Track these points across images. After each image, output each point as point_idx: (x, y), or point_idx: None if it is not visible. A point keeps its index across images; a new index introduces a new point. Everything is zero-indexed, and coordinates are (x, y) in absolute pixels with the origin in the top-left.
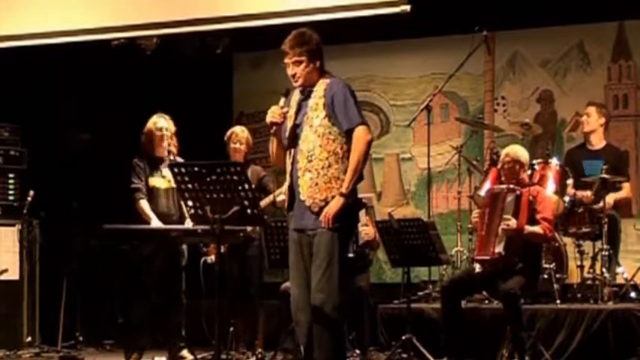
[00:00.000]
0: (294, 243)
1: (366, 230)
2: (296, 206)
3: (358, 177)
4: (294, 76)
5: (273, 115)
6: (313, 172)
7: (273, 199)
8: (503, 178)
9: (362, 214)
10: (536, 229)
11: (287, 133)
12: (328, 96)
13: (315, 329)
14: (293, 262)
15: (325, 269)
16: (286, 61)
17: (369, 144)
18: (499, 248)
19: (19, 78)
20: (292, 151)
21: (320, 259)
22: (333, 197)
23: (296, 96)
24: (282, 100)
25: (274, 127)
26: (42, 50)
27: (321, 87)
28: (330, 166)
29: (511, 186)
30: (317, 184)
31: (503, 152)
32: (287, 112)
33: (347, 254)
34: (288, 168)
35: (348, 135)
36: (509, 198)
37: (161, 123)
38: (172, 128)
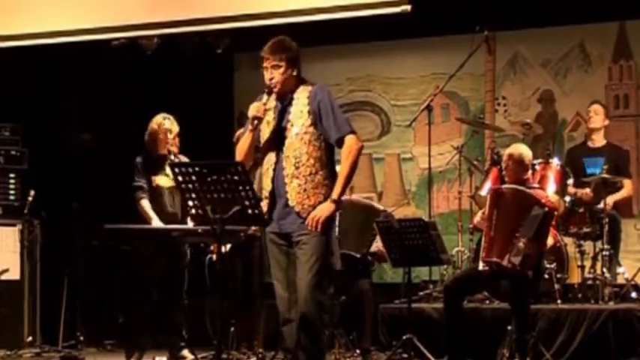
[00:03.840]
0: (275, 244)
1: (382, 247)
2: (278, 211)
3: (349, 183)
4: (271, 79)
5: (257, 109)
6: (301, 179)
7: None
8: (506, 179)
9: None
10: (549, 240)
11: (266, 137)
12: (314, 103)
13: (301, 326)
14: (276, 263)
15: (310, 269)
16: (265, 65)
17: (360, 151)
18: (516, 260)
19: (20, 78)
20: (272, 156)
21: (305, 260)
22: (320, 202)
23: (271, 102)
24: (264, 97)
25: (256, 122)
26: (43, 50)
27: (303, 94)
28: (316, 172)
29: (539, 195)
30: (305, 190)
31: (506, 152)
32: (268, 109)
33: (329, 254)
34: (270, 174)
35: (337, 144)
36: (536, 212)
37: (166, 124)
38: (176, 129)
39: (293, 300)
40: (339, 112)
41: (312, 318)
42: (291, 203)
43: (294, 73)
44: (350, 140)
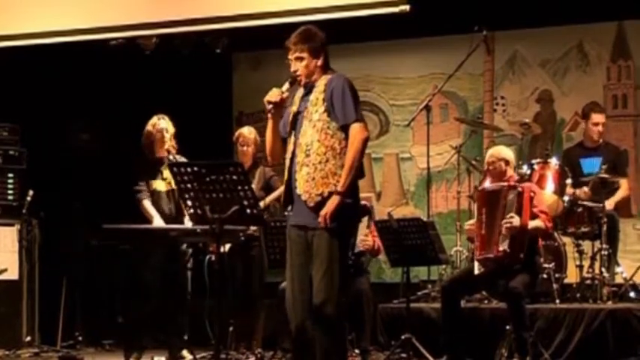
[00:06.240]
0: (293, 242)
1: (365, 241)
2: (295, 201)
3: (356, 174)
4: (295, 72)
5: (274, 94)
6: (310, 167)
7: (278, 195)
8: (490, 179)
9: (363, 223)
10: (537, 222)
11: (287, 127)
12: (328, 90)
13: (316, 329)
14: (291, 262)
15: (325, 270)
16: (289, 57)
17: (364, 141)
18: (504, 246)
19: (19, 78)
20: (290, 145)
21: (320, 260)
22: (329, 192)
23: (299, 92)
24: (285, 86)
25: (271, 106)
26: (41, 50)
27: (322, 82)
28: (327, 161)
29: (512, 183)
30: (314, 178)
31: (487, 154)
32: (287, 97)
33: (348, 254)
34: (287, 162)
35: (344, 130)
36: (511, 195)
37: (161, 124)
38: (172, 129)
39: (301, 299)
40: (349, 100)
41: (331, 319)
42: (298, 191)
43: (319, 63)
44: (354, 129)
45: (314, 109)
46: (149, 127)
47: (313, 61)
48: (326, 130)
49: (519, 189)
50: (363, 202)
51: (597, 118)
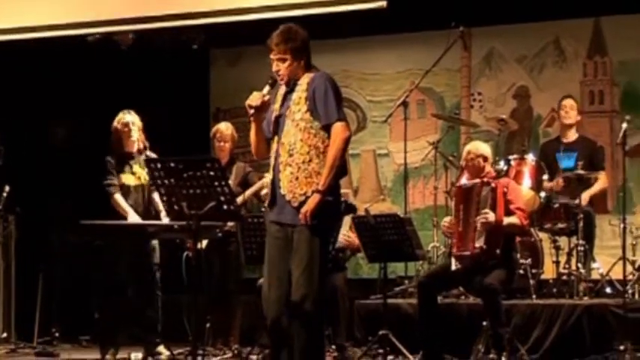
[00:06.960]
0: (272, 237)
1: (348, 237)
2: (277, 200)
3: (337, 173)
4: (278, 72)
5: (254, 98)
6: (294, 167)
7: (256, 189)
8: (467, 175)
9: (348, 219)
10: (513, 219)
11: (271, 126)
12: (310, 90)
13: (294, 325)
14: (269, 257)
15: (305, 266)
16: (271, 57)
17: (346, 141)
18: (480, 242)
19: None
20: (274, 144)
21: (300, 256)
22: (313, 192)
23: (282, 90)
24: (266, 88)
25: (252, 111)
26: (17, 46)
27: (305, 80)
28: (310, 160)
29: (485, 179)
30: (297, 178)
31: (465, 149)
32: (268, 99)
33: (328, 251)
34: (272, 162)
35: (327, 130)
36: (485, 191)
37: (126, 118)
38: (139, 123)
39: (277, 295)
40: (331, 99)
41: (310, 315)
42: (282, 191)
43: (302, 63)
44: (336, 128)
45: (297, 108)
46: (115, 123)
47: (295, 62)
48: (309, 130)
49: (492, 185)
50: (347, 200)
51: (565, 101)
